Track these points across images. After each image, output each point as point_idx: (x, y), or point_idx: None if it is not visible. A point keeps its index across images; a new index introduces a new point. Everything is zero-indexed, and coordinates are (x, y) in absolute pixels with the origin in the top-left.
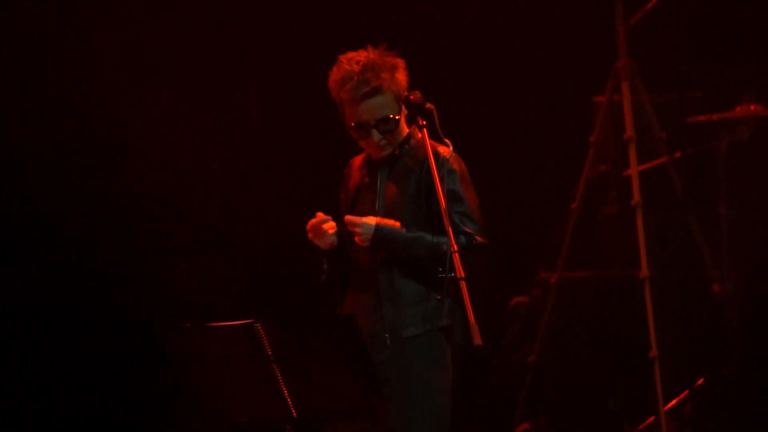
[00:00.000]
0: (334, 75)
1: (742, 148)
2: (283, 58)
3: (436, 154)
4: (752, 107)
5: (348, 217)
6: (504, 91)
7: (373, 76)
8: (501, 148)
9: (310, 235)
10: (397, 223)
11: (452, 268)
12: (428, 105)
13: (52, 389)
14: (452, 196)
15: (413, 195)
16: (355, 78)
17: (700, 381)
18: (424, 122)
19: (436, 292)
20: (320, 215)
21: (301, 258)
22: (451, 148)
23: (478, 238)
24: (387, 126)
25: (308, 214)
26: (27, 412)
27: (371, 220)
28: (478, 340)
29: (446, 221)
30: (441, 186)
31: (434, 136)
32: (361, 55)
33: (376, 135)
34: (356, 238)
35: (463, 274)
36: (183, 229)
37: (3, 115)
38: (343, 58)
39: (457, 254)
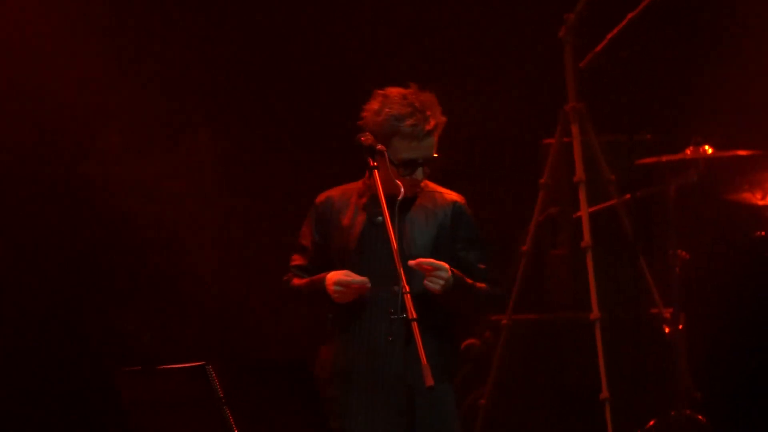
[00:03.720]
0: (390, 108)
1: (691, 189)
2: (235, 99)
3: (454, 201)
4: (700, 149)
5: (425, 260)
6: (453, 133)
7: (432, 115)
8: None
9: (337, 294)
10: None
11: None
12: (379, 146)
13: None
14: (477, 244)
15: (435, 238)
16: (418, 115)
17: (651, 423)
18: (375, 164)
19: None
20: (363, 278)
21: (257, 300)
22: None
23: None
24: (430, 165)
25: (260, 254)
26: None
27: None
28: (429, 381)
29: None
30: (462, 233)
31: (386, 177)
32: (413, 93)
33: (419, 174)
34: (428, 283)
35: (414, 315)
36: (133, 273)
37: None
38: (392, 92)
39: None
